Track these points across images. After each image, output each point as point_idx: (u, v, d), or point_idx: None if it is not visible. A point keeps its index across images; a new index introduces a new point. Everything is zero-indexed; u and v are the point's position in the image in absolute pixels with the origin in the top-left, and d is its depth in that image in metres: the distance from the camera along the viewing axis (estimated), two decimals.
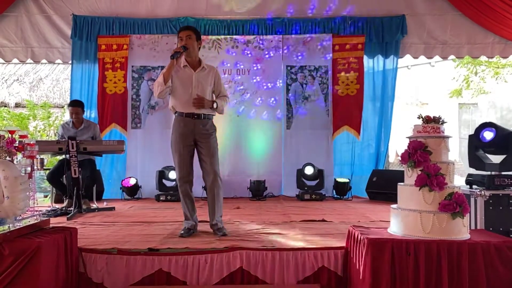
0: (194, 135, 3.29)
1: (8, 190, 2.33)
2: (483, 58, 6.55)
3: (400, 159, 2.72)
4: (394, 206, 2.67)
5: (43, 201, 6.52)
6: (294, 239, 3.14)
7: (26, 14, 5.96)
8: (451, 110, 10.52)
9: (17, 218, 2.49)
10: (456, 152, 10.18)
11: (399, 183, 2.68)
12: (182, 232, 3.28)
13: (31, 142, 2.84)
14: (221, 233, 3.25)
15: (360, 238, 2.53)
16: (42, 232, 2.62)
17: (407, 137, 2.71)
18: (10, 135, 2.77)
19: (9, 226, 2.39)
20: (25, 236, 2.45)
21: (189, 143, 3.30)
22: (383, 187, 5.33)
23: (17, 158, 2.70)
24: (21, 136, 2.82)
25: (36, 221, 2.68)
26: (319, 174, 5.56)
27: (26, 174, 2.55)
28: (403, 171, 2.69)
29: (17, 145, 2.77)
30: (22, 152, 2.81)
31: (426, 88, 10.44)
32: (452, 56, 6.24)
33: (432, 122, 2.60)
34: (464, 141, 10.08)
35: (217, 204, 3.32)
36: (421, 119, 2.66)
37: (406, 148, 2.62)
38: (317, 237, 3.18)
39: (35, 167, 3.15)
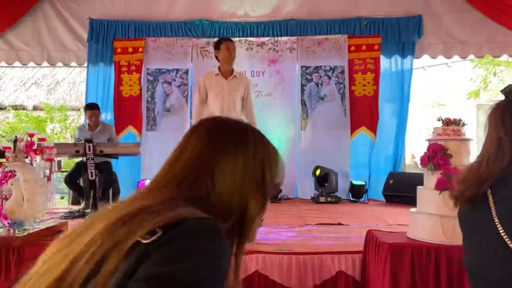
0: None
1: (27, 193, 2.36)
2: (503, 57, 6.39)
3: (416, 161, 2.68)
4: (413, 209, 2.62)
5: (59, 202, 6.61)
6: (310, 242, 3.11)
7: (43, 18, 6.05)
8: (469, 111, 10.32)
9: (36, 220, 2.53)
10: (474, 153, 9.97)
11: (418, 187, 2.63)
12: None
13: (50, 145, 2.87)
14: None
15: (379, 242, 2.49)
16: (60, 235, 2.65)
17: (426, 140, 2.66)
18: (29, 138, 2.82)
19: (28, 229, 2.42)
20: (44, 239, 2.47)
21: None
22: (400, 190, 5.25)
23: (36, 160, 2.74)
24: (40, 139, 2.86)
25: (54, 224, 2.72)
26: (326, 176, 5.47)
27: (45, 177, 2.58)
28: (420, 174, 2.65)
29: (36, 148, 2.81)
30: (41, 154, 2.85)
31: (443, 89, 10.28)
32: (472, 56, 6.13)
33: (452, 125, 2.54)
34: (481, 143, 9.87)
35: None
36: (441, 121, 2.60)
37: (426, 151, 2.57)
38: (334, 240, 3.14)
39: (53, 169, 3.20)
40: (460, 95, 10.01)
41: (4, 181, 2.53)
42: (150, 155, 5.93)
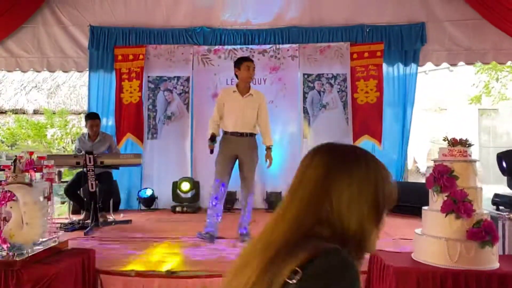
0: (237, 151, 3.82)
1: (27, 216, 2.31)
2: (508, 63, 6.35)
3: (418, 166, 2.64)
4: (418, 231, 2.59)
5: (60, 208, 6.57)
6: None
7: (43, 25, 6.00)
8: (471, 115, 10.28)
9: (36, 242, 2.48)
10: (476, 158, 9.90)
11: (423, 208, 2.59)
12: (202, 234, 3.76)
13: (50, 164, 2.83)
14: (242, 240, 3.69)
15: (384, 265, 2.45)
16: (60, 256, 2.61)
17: (432, 160, 2.62)
18: (29, 156, 2.78)
19: (27, 251, 2.38)
20: (43, 261, 2.43)
21: (232, 158, 3.84)
22: (402, 200, 5.17)
23: (35, 180, 2.69)
24: (39, 158, 2.82)
25: (54, 244, 2.67)
26: None
27: (44, 199, 2.54)
28: (422, 183, 2.61)
29: (35, 166, 2.77)
30: (41, 173, 2.81)
31: (445, 93, 10.23)
32: (478, 62, 6.10)
33: (458, 145, 2.51)
34: (484, 149, 9.83)
35: (244, 214, 3.84)
36: (447, 141, 2.56)
37: (432, 172, 2.53)
38: None
39: (55, 181, 3.16)
40: (462, 100, 9.96)
41: (3, 202, 2.49)
42: (151, 163, 5.90)
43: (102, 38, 5.95)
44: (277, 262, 0.81)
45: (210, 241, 3.67)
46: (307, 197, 0.88)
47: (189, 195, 5.46)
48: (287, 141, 5.93)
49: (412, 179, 8.01)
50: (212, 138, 3.81)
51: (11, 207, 2.33)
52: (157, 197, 5.68)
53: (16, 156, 2.61)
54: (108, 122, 6.04)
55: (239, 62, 3.89)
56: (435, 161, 2.56)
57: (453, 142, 2.52)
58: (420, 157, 9.63)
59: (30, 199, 2.32)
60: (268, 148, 3.95)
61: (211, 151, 3.84)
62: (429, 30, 5.84)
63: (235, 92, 3.89)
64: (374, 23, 5.88)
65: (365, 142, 5.87)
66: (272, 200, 5.53)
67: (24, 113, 9.69)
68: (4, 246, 2.32)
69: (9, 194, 2.50)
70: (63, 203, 6.85)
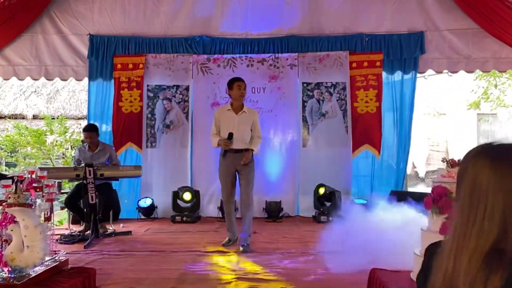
0: (235, 166, 4.02)
1: (28, 239, 2.32)
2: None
3: (417, 171, 2.65)
4: (417, 251, 2.59)
5: (60, 213, 6.55)
6: (315, 277, 3.08)
7: (42, 34, 6.00)
8: (470, 120, 10.31)
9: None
10: None
11: (422, 228, 2.60)
12: (224, 242, 4.08)
13: (50, 183, 2.84)
14: (242, 250, 3.84)
15: (383, 286, 2.46)
16: (61, 276, 2.62)
17: (430, 179, 2.63)
18: (30, 175, 2.79)
19: (28, 274, 2.39)
20: (44, 283, 2.44)
21: (232, 173, 4.05)
22: None
23: (36, 199, 2.70)
24: (40, 177, 2.83)
25: (55, 263, 2.68)
26: (331, 195, 5.44)
27: (45, 222, 2.55)
28: (422, 193, 2.62)
29: (36, 185, 2.78)
30: (41, 192, 2.83)
31: (444, 98, 10.25)
32: (478, 71, 6.15)
33: (457, 167, 2.51)
34: None
35: (244, 225, 4.00)
36: (445, 162, 2.57)
37: (430, 193, 2.54)
38: (339, 276, 3.11)
39: (56, 192, 3.17)
40: (461, 105, 9.98)
41: (4, 223, 2.50)
42: (151, 172, 5.90)
43: (102, 47, 5.96)
44: (479, 281, 0.84)
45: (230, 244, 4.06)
46: (483, 203, 0.88)
47: (189, 204, 5.47)
48: (286, 150, 5.95)
49: (411, 184, 8.04)
50: (230, 136, 3.92)
51: (11, 230, 2.34)
52: (156, 207, 5.69)
53: (17, 176, 2.62)
54: (107, 129, 6.05)
55: (231, 83, 4.08)
56: (433, 182, 2.57)
57: (452, 164, 2.53)
58: (419, 162, 9.66)
59: (30, 222, 2.33)
60: (250, 150, 4.02)
61: (225, 153, 3.98)
62: (429, 39, 5.86)
63: (229, 110, 4.09)
64: (373, 32, 5.90)
65: (365, 152, 5.90)
66: (271, 209, 5.53)
67: (23, 118, 9.68)
68: (5, 270, 2.34)
69: (9, 216, 2.52)
70: (62, 208, 6.85)
